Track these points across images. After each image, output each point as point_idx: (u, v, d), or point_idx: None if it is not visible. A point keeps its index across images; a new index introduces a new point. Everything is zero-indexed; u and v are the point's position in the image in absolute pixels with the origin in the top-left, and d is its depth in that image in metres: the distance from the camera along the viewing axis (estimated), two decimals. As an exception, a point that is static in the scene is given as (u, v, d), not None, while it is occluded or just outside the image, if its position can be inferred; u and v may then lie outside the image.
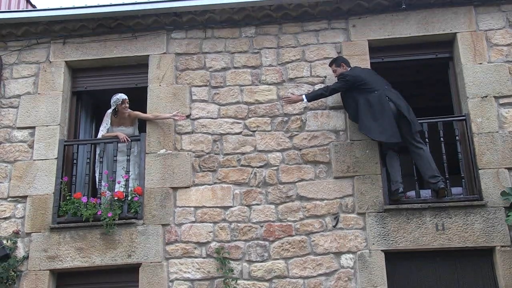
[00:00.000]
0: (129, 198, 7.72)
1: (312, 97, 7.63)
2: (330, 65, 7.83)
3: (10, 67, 8.47)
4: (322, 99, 7.81)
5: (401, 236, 7.26)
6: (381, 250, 7.25)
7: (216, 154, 7.84)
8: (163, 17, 8.34)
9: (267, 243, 7.45)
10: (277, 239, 7.45)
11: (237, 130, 7.93)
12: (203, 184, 7.74)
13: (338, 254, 7.32)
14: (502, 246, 7.11)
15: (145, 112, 8.14)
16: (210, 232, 7.54)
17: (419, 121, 7.51)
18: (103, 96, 8.57)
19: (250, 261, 7.39)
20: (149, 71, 8.28)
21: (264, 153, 7.79)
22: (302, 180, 7.64)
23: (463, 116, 7.71)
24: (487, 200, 7.28)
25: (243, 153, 7.81)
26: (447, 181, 7.46)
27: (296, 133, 7.83)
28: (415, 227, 7.27)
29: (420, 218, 7.30)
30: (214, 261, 7.40)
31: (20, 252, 7.63)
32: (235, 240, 7.48)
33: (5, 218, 7.81)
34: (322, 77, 8.01)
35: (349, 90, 7.53)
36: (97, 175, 8.08)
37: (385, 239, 7.27)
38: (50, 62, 8.42)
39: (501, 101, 7.64)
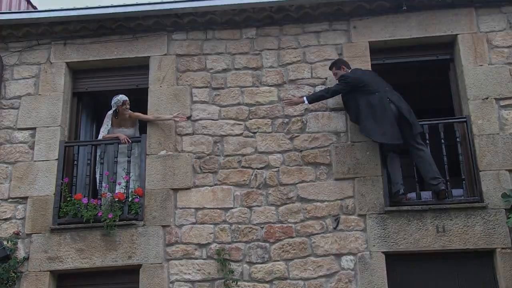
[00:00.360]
0: (129, 199, 7.72)
1: (313, 99, 7.63)
2: (331, 68, 7.82)
3: (11, 68, 8.46)
4: (323, 101, 7.81)
5: (401, 237, 7.26)
6: (382, 252, 7.25)
7: (216, 155, 7.84)
8: (164, 19, 8.34)
9: (267, 244, 7.44)
10: (277, 241, 7.44)
11: (238, 132, 7.92)
12: (203, 186, 7.73)
13: (338, 255, 7.31)
14: (503, 248, 7.11)
15: (145, 113, 8.14)
16: (210, 233, 7.53)
17: (420, 123, 7.51)
18: (104, 97, 8.57)
19: (250, 263, 7.39)
20: (150, 72, 8.28)
21: (264, 155, 7.79)
22: (302, 181, 7.63)
23: (464, 118, 7.71)
24: (487, 202, 7.27)
25: (243, 155, 7.81)
26: (448, 183, 7.46)
27: (296, 134, 7.83)
28: (415, 229, 7.27)
29: (420, 220, 7.29)
30: (214, 263, 7.40)
31: (20, 253, 7.62)
32: (236, 242, 7.48)
33: (6, 219, 7.80)
34: (323, 78, 8.01)
35: (350, 92, 7.52)
36: (97, 176, 8.08)
37: (385, 241, 7.26)
38: (51, 63, 8.42)
39: (502, 103, 7.64)
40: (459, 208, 7.30)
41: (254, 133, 7.90)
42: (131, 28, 8.41)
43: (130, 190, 7.80)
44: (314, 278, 7.26)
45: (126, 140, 7.99)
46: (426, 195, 7.60)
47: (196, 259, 7.44)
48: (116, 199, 7.64)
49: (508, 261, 7.04)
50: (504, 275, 7.00)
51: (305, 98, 7.62)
